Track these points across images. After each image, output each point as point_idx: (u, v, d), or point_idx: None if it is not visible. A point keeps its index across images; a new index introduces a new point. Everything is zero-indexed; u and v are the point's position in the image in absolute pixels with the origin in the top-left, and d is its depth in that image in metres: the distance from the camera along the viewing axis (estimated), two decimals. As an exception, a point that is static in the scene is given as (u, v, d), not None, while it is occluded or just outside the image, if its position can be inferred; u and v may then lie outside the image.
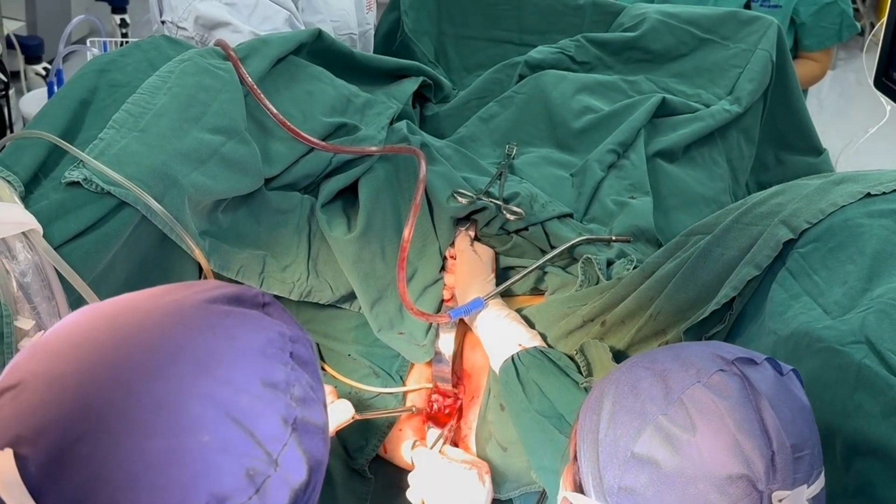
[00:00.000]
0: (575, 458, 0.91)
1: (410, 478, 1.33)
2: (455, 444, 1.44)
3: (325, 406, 0.77)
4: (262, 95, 1.40)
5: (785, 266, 1.16)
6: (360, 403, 1.43)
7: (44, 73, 2.86)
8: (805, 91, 2.48)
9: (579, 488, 0.89)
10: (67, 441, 0.63)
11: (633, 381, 0.86)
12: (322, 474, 0.75)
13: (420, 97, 1.82)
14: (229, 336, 0.71)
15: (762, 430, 0.80)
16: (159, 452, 0.64)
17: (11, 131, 2.67)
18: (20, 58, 2.89)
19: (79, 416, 0.64)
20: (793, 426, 0.82)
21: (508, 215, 1.47)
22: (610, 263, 1.45)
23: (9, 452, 0.63)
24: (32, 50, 2.89)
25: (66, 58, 2.47)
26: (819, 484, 0.83)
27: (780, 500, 0.79)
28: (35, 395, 0.65)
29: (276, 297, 1.45)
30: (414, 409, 1.44)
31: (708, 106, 1.77)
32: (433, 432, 1.41)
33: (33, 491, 0.62)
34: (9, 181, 1.14)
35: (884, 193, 1.16)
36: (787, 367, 0.88)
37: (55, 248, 1.11)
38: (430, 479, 1.32)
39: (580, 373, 1.32)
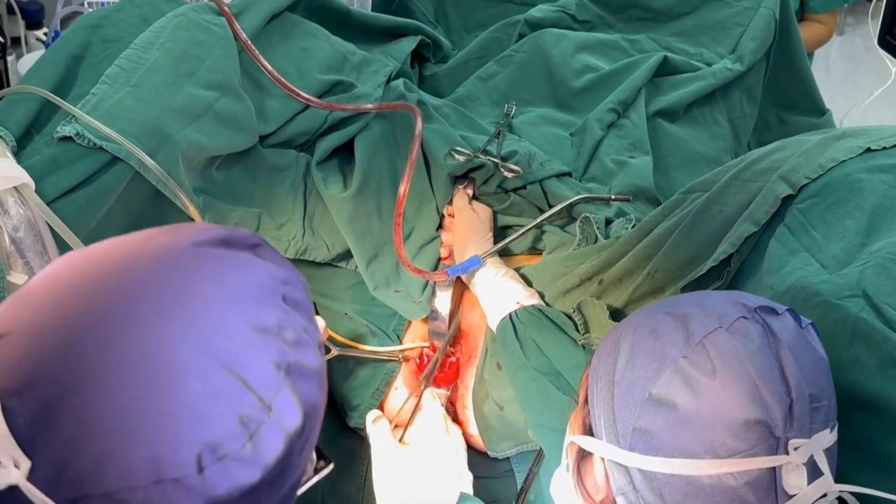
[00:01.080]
0: (585, 402, 0.90)
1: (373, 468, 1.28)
2: (452, 402, 1.44)
3: (320, 348, 0.75)
4: (257, 52, 1.38)
5: (783, 222, 1.15)
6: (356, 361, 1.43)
7: (44, 38, 2.83)
8: (811, 55, 2.44)
9: (589, 431, 0.88)
10: (56, 394, 0.62)
11: (653, 325, 0.86)
12: (319, 418, 0.73)
13: (419, 57, 1.80)
14: (218, 281, 0.69)
15: (782, 378, 0.80)
16: (149, 402, 0.63)
17: (11, 96, 2.65)
18: (21, 23, 2.86)
19: (67, 368, 0.63)
20: (812, 377, 0.82)
21: (506, 173, 1.45)
22: (609, 222, 1.43)
23: None
24: (33, 15, 2.86)
25: (65, 21, 2.44)
26: (833, 436, 0.83)
27: (796, 448, 0.79)
28: (21, 347, 0.64)
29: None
30: (400, 356, 1.43)
31: (710, 65, 1.74)
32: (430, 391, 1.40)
33: (22, 444, 0.61)
34: (1, 136, 1.13)
35: (884, 148, 1.15)
36: (805, 320, 0.87)
37: (48, 203, 1.09)
38: (396, 474, 1.25)
39: (577, 331, 1.32)
